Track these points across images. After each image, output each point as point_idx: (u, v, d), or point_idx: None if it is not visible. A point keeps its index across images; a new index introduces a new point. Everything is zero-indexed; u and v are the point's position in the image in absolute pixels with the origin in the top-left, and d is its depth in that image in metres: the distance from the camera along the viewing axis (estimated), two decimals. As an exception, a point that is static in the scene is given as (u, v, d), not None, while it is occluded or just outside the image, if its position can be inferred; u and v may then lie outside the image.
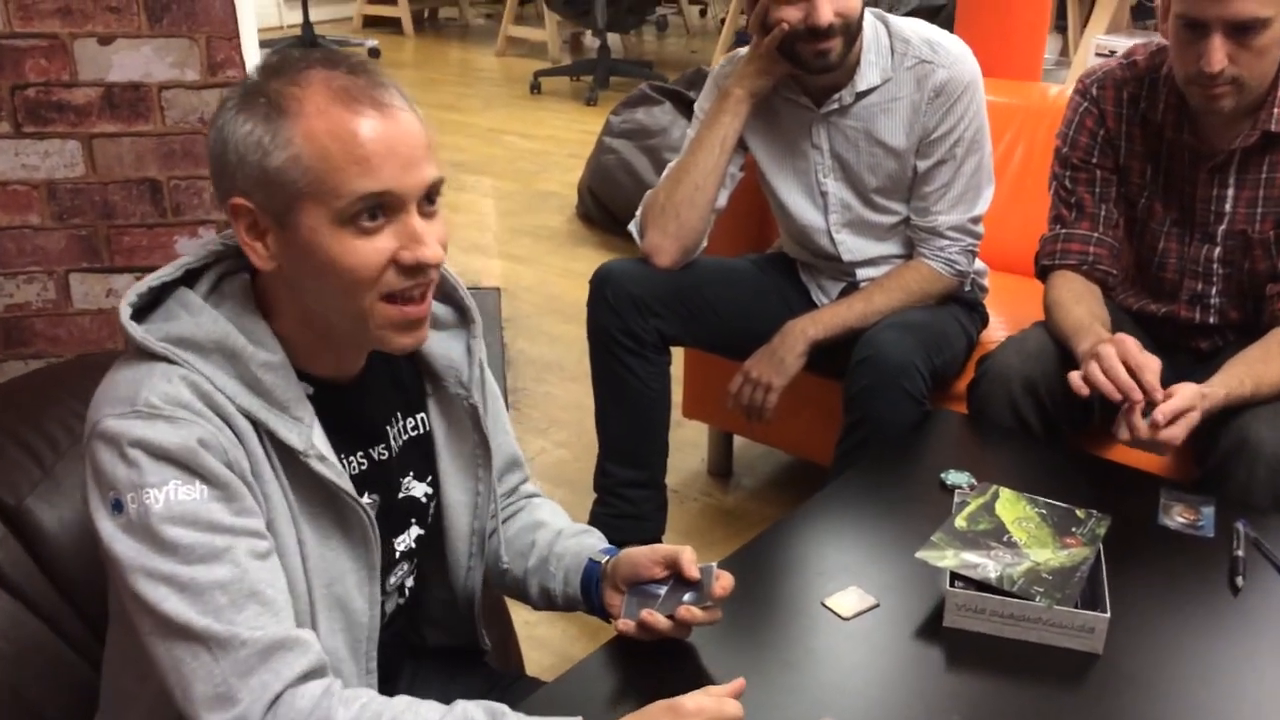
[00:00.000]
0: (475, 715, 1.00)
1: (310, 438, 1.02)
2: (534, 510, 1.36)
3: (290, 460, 1.02)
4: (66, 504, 1.22)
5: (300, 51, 1.02)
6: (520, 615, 1.72)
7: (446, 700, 1.27)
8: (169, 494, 0.94)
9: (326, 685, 0.97)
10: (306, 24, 6.78)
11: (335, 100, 0.96)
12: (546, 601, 1.29)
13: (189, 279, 1.05)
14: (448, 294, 1.20)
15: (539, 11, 7.57)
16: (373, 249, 0.98)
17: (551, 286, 3.73)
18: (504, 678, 1.35)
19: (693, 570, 1.17)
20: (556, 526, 1.32)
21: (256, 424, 1.00)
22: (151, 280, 1.03)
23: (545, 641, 2.06)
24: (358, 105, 0.96)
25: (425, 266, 1.00)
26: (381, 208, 0.98)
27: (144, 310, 1.03)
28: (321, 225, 0.97)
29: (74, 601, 1.21)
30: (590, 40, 7.20)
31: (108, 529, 0.95)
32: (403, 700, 1.00)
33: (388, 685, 1.18)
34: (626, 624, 1.18)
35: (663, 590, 1.18)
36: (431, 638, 1.33)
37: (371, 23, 8.19)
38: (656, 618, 1.16)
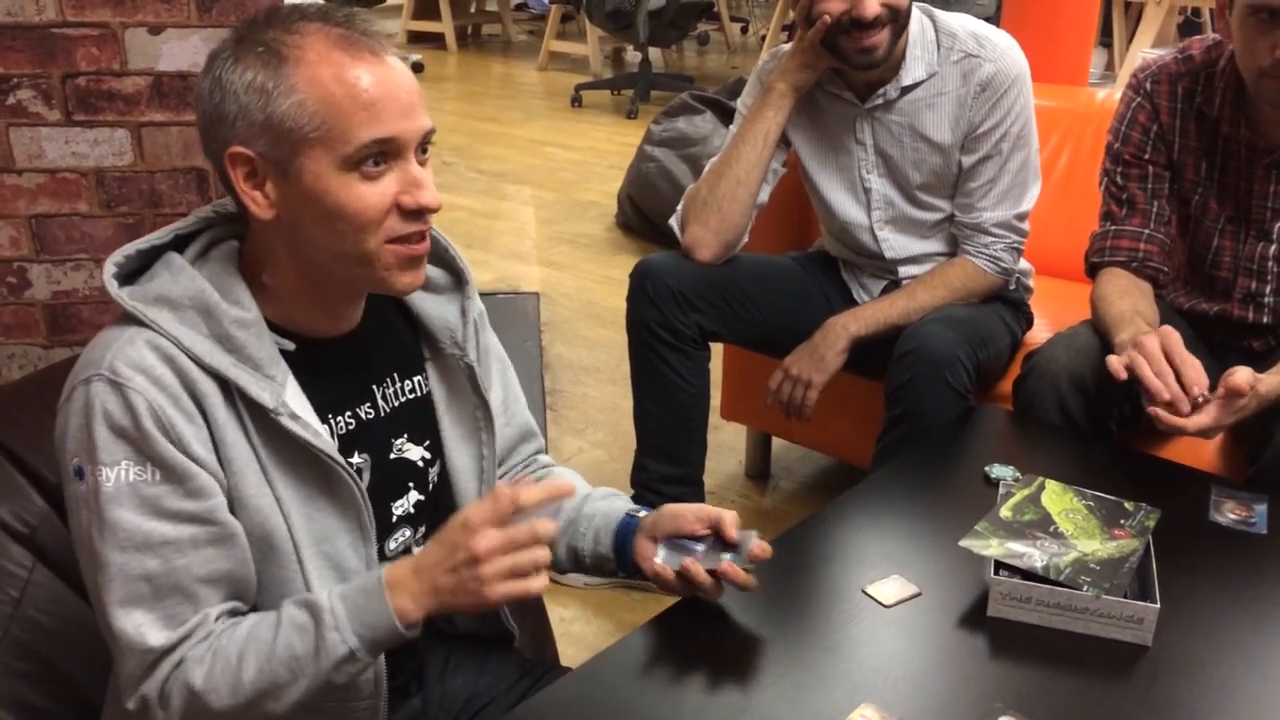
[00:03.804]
0: (298, 617, 1.01)
1: (281, 395, 1.02)
2: (557, 477, 1.35)
3: (264, 419, 1.02)
4: (107, 481, 1.23)
5: (288, 5, 1.04)
6: (556, 613, 1.72)
7: (479, 689, 1.26)
8: (120, 473, 0.96)
9: (183, 654, 1.00)
10: (352, 37, 6.85)
11: (336, 47, 0.98)
12: (574, 562, 1.29)
13: (180, 245, 1.07)
14: (439, 256, 1.20)
15: (581, 27, 7.62)
16: (377, 193, 0.99)
17: (589, 293, 3.73)
18: (538, 666, 1.34)
19: (733, 532, 1.17)
20: (584, 490, 1.32)
21: (227, 383, 1.00)
22: (140, 244, 1.05)
23: (580, 638, 2.05)
24: (358, 52, 0.99)
25: (426, 211, 1.02)
26: (384, 154, 0.99)
27: (138, 275, 1.04)
28: (326, 171, 0.98)
29: (112, 578, 1.22)
30: (632, 55, 7.23)
31: (69, 493, 1.00)
32: (244, 628, 1.02)
33: (406, 656, 1.18)
34: (666, 569, 1.18)
35: (700, 547, 1.18)
36: (462, 623, 1.32)
37: (416, 38, 8.28)
38: (698, 569, 1.16)
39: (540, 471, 1.35)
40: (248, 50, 0.98)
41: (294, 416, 1.02)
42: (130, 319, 1.00)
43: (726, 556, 1.16)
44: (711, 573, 1.15)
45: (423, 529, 1.20)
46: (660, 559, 1.18)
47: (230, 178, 1.00)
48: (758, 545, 1.16)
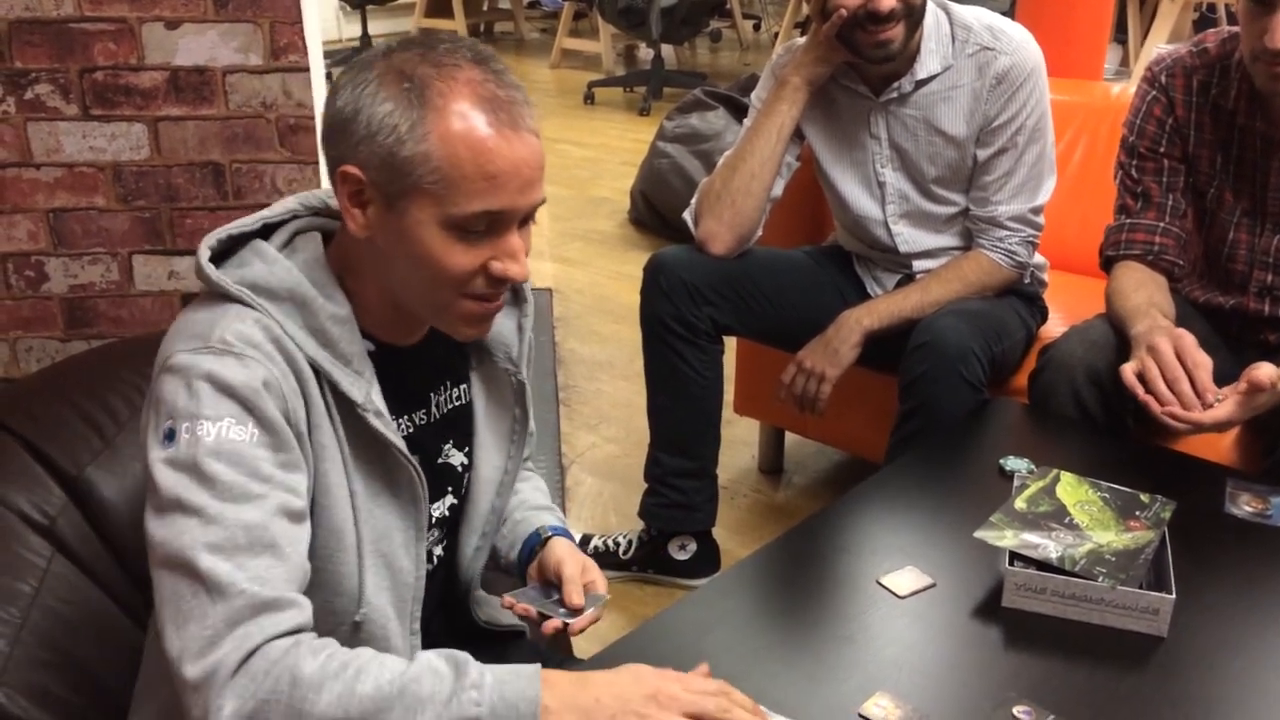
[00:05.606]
0: (437, 665, 0.95)
1: (369, 393, 1.04)
2: (526, 479, 1.37)
3: (348, 413, 1.03)
4: (126, 474, 1.24)
5: (450, 37, 1.02)
6: (569, 604, 1.71)
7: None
8: (221, 429, 0.94)
9: (297, 638, 0.94)
10: (365, 36, 6.88)
11: (479, 106, 0.97)
12: (492, 560, 1.31)
13: (264, 233, 1.08)
14: None
15: (593, 25, 7.61)
16: (470, 256, 1.00)
17: (602, 288, 3.74)
18: (552, 657, 1.34)
19: (574, 600, 1.15)
20: (523, 496, 1.34)
21: (320, 373, 1.01)
22: (232, 228, 1.06)
23: (593, 630, 2.03)
24: (497, 121, 0.97)
25: (511, 281, 1.02)
26: (490, 224, 0.99)
27: (218, 258, 1.05)
28: (429, 221, 0.98)
29: (130, 569, 1.23)
30: (644, 52, 7.23)
31: (156, 457, 0.95)
32: (369, 650, 0.96)
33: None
34: (510, 600, 1.18)
35: (555, 595, 1.18)
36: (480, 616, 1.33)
37: (429, 35, 8.27)
38: (530, 612, 1.16)
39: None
40: (395, 80, 0.97)
41: (378, 414, 1.04)
42: (225, 298, 1.00)
43: (560, 612, 1.16)
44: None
45: (446, 530, 1.21)
46: (520, 593, 1.20)
47: (337, 190, 1.01)
48: (579, 622, 1.14)
